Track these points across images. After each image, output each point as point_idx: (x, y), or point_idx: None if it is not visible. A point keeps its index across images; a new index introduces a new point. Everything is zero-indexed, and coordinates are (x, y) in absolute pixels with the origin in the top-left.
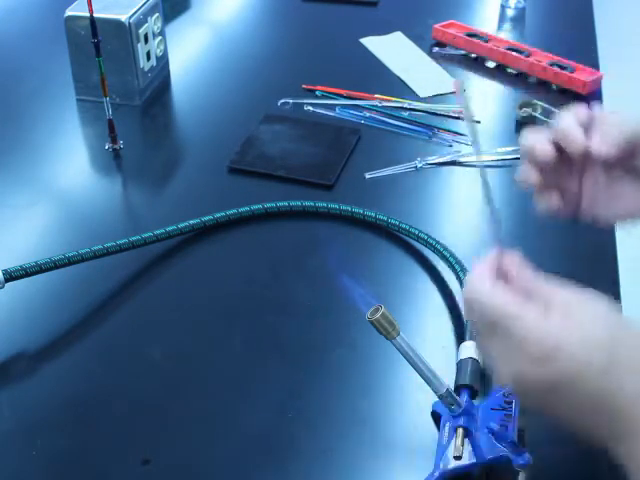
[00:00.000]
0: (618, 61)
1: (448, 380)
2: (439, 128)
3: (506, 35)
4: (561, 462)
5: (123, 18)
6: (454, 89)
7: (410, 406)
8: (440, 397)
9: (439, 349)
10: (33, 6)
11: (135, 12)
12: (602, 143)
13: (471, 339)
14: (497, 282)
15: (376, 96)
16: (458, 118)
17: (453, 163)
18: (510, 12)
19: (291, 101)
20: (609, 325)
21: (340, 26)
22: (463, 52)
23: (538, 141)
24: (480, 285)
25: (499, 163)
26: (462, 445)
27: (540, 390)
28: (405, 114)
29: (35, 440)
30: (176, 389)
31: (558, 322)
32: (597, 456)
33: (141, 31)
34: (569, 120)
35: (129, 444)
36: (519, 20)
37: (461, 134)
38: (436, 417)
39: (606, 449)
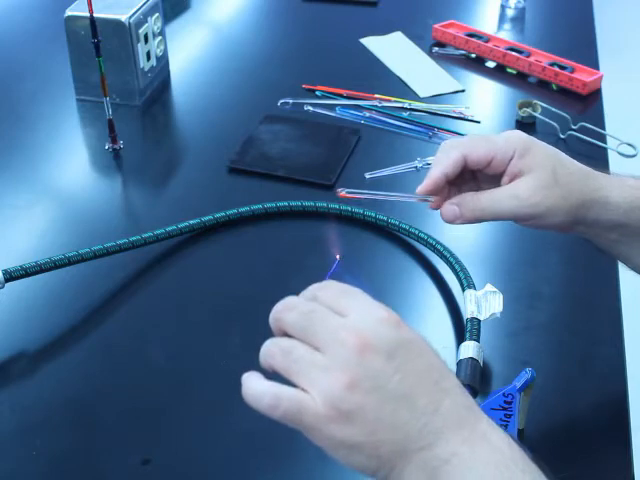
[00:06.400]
0: (618, 61)
1: None
2: (439, 128)
3: (506, 35)
4: (561, 462)
5: (123, 18)
6: None
7: None
8: None
9: (439, 349)
10: (33, 6)
11: (135, 12)
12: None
13: (471, 339)
14: None
15: (376, 96)
16: (458, 118)
17: None
18: (510, 12)
19: (291, 101)
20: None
21: (340, 26)
22: (463, 52)
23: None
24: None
25: None
26: None
27: (393, 347)
28: (405, 114)
29: (35, 440)
30: (176, 389)
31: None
32: (597, 455)
33: (141, 31)
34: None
35: (129, 444)
36: (519, 20)
37: (461, 134)
38: None
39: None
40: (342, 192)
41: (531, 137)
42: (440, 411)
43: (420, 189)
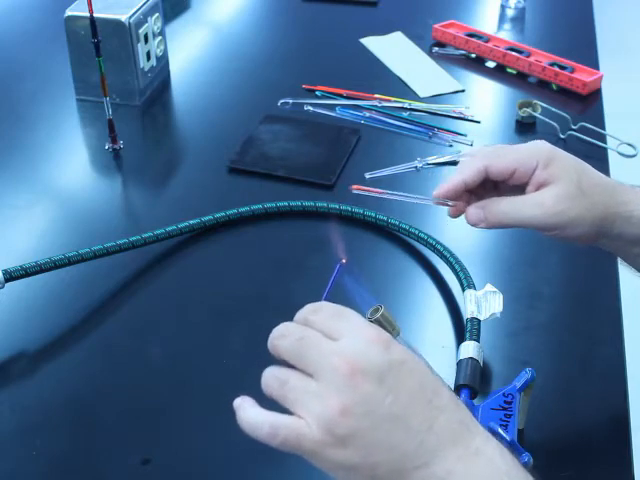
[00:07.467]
0: (618, 61)
1: (448, 380)
2: (439, 128)
3: (506, 35)
4: (561, 462)
5: (123, 18)
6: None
7: None
8: None
9: (439, 349)
10: (33, 6)
11: (135, 12)
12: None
13: (471, 339)
14: None
15: (376, 96)
16: (458, 118)
17: (453, 163)
18: (510, 12)
19: (291, 101)
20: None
21: (340, 26)
22: (463, 52)
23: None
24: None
25: None
26: None
27: (384, 369)
28: (405, 114)
29: (35, 440)
30: (176, 389)
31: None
32: (597, 455)
33: (141, 31)
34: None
35: (129, 444)
36: (519, 20)
37: (461, 134)
38: None
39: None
40: (356, 185)
41: (555, 147)
42: (434, 429)
43: (436, 192)
